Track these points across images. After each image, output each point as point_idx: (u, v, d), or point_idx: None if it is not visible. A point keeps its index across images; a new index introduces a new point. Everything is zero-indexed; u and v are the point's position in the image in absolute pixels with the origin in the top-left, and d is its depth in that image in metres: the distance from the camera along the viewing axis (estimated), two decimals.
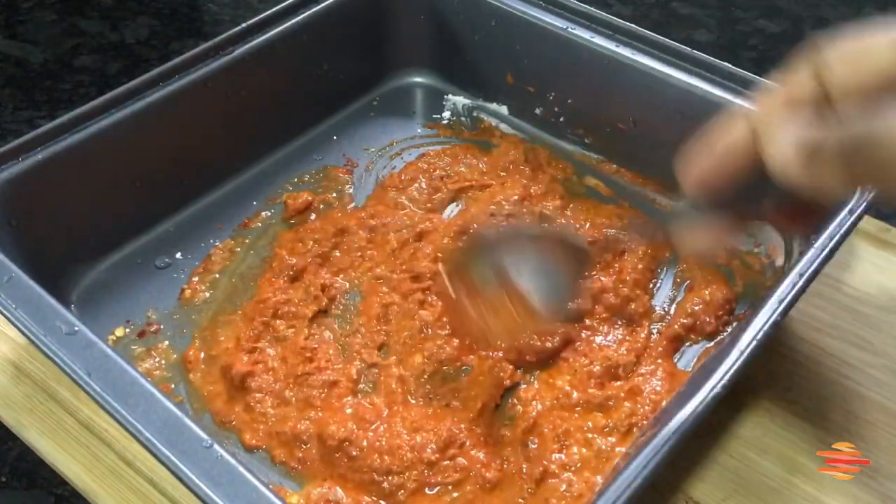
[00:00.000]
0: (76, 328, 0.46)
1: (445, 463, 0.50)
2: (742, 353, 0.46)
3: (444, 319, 0.58)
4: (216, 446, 0.41)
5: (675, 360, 0.57)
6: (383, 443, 0.51)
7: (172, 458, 0.40)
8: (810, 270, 0.50)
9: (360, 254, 0.64)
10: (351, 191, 0.70)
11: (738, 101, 0.60)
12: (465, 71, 0.77)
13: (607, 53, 0.66)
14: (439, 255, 0.62)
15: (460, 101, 0.78)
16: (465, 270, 0.51)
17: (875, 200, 0.51)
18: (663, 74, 0.63)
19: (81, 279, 0.61)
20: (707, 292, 0.59)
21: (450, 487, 0.50)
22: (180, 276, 0.63)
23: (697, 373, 0.53)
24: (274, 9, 0.68)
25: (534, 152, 0.72)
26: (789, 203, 0.38)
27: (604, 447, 0.51)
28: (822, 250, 0.50)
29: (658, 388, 0.54)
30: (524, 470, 0.50)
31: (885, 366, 0.57)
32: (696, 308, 0.59)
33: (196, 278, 0.62)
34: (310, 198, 0.68)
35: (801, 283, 0.49)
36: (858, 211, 0.52)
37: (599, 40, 0.66)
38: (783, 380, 0.56)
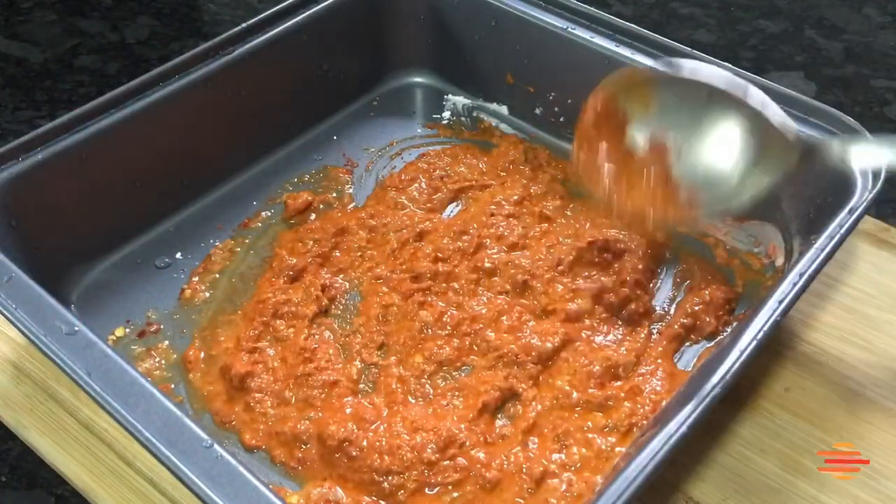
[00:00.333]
0: (76, 328, 0.46)
1: (445, 463, 0.50)
2: (742, 353, 0.46)
3: (445, 319, 0.58)
4: (216, 446, 0.41)
5: (675, 360, 0.57)
6: (383, 443, 0.51)
7: (172, 458, 0.40)
8: (810, 270, 0.50)
9: (360, 254, 0.64)
10: (351, 191, 0.70)
11: None
12: (465, 71, 0.77)
13: (607, 53, 0.66)
14: (439, 255, 0.62)
15: (460, 101, 0.78)
16: (620, 113, 0.39)
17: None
18: None
19: (81, 279, 0.61)
20: (707, 292, 0.59)
21: (450, 487, 0.50)
22: (180, 276, 0.63)
23: (697, 373, 0.53)
24: (274, 9, 0.68)
25: (534, 152, 0.72)
26: None
27: (604, 447, 0.51)
28: (822, 250, 0.51)
29: (658, 388, 0.54)
30: (524, 470, 0.50)
31: (885, 366, 0.57)
32: (696, 308, 0.59)
33: (196, 278, 0.62)
34: (310, 198, 0.68)
35: (801, 283, 0.49)
36: (858, 211, 0.52)
37: (599, 40, 0.66)
38: (783, 380, 0.56)
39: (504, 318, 0.58)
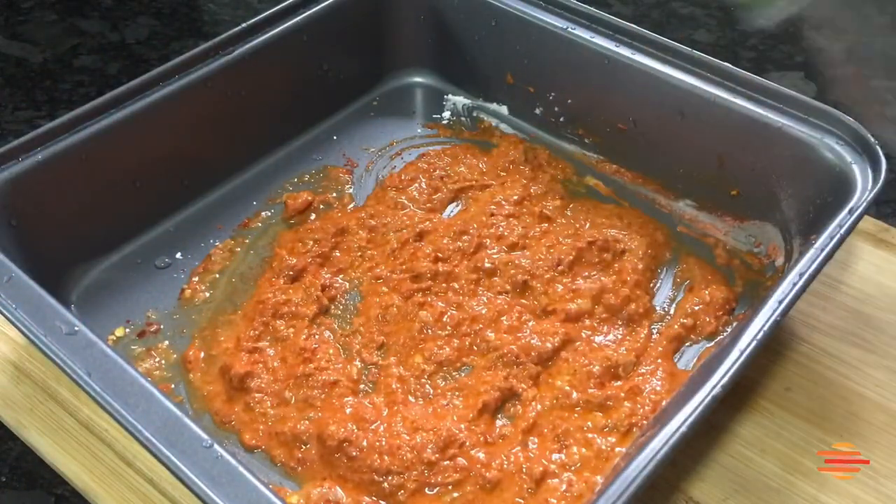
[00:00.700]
0: (76, 328, 0.46)
1: (445, 463, 0.50)
2: (742, 353, 0.46)
3: (445, 319, 0.58)
4: (216, 446, 0.41)
5: (675, 360, 0.57)
6: (383, 443, 0.51)
7: (172, 458, 0.40)
8: (810, 270, 0.50)
9: (360, 254, 0.64)
10: (351, 191, 0.70)
11: (737, 100, 0.60)
12: (465, 71, 0.77)
13: (607, 53, 0.66)
14: (439, 255, 0.62)
15: (460, 101, 0.78)
16: None
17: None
18: (663, 74, 0.63)
19: (81, 279, 0.61)
20: (707, 292, 0.59)
21: (450, 487, 0.50)
22: (180, 276, 0.63)
23: (697, 373, 0.53)
24: (274, 9, 0.68)
25: (534, 152, 0.72)
26: None
27: (604, 447, 0.51)
28: (822, 250, 0.50)
29: (658, 388, 0.54)
30: (524, 470, 0.50)
31: (885, 366, 0.57)
32: (696, 308, 0.59)
33: (196, 278, 0.62)
34: (310, 198, 0.68)
35: (801, 283, 0.49)
36: (858, 211, 0.52)
37: (599, 40, 0.66)
38: (783, 380, 0.56)
39: (504, 318, 0.58)
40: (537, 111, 0.73)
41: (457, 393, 0.55)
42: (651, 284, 0.61)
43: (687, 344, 0.58)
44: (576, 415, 0.53)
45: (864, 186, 0.54)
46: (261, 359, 0.56)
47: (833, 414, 0.54)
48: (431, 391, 0.55)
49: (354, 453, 0.50)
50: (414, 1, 0.75)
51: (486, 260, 0.61)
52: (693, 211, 0.66)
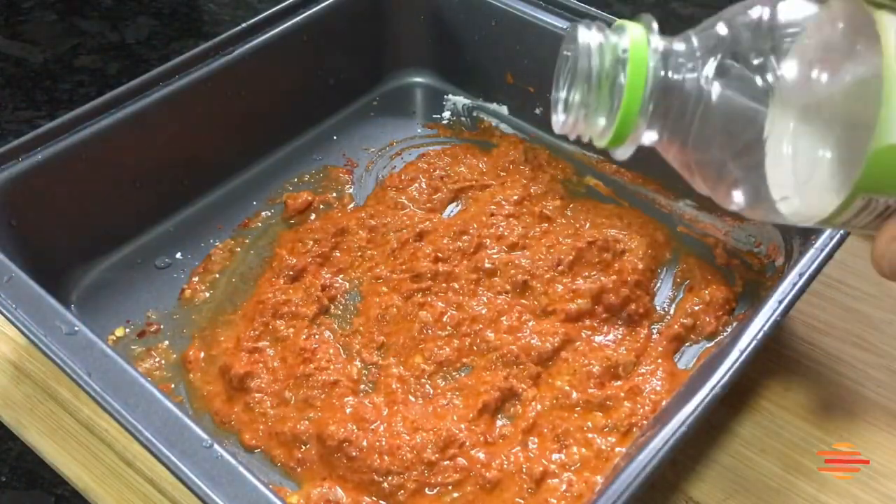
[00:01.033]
0: (76, 328, 0.46)
1: (445, 463, 0.50)
2: (742, 353, 0.46)
3: (445, 319, 0.58)
4: (216, 446, 0.41)
5: (675, 360, 0.57)
6: (383, 443, 0.51)
7: (172, 458, 0.40)
8: (810, 270, 0.50)
9: (360, 254, 0.64)
10: (351, 191, 0.70)
11: None
12: (465, 71, 0.77)
13: None
14: (439, 255, 0.62)
15: (460, 101, 0.78)
16: None
17: None
18: None
19: (81, 279, 0.61)
20: (707, 292, 0.59)
21: (450, 487, 0.50)
22: (180, 276, 0.63)
23: (697, 373, 0.53)
24: (274, 9, 0.68)
25: (534, 152, 0.72)
26: None
27: (604, 447, 0.51)
28: (822, 250, 0.50)
29: (658, 388, 0.54)
30: (524, 470, 0.50)
31: (885, 366, 0.57)
32: (696, 308, 0.59)
33: (196, 278, 0.62)
34: (310, 198, 0.68)
35: (801, 283, 0.49)
36: None
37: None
38: (783, 380, 0.56)
39: (504, 318, 0.58)
40: (537, 111, 0.73)
41: (457, 393, 0.55)
42: (651, 284, 0.61)
43: (687, 344, 0.58)
44: (576, 415, 0.53)
45: None
46: (261, 359, 0.56)
47: (833, 414, 0.54)
48: (431, 391, 0.55)
49: (354, 453, 0.50)
50: (414, 1, 0.75)
51: (486, 260, 0.61)
52: (693, 211, 0.66)
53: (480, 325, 0.58)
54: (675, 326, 0.58)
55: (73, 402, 0.55)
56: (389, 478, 0.50)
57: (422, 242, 0.64)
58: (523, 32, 0.70)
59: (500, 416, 0.54)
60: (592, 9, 0.68)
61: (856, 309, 0.60)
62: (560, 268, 0.61)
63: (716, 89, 0.32)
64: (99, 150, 0.59)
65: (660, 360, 0.56)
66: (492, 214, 0.65)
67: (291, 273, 0.62)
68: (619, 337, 0.58)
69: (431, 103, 0.78)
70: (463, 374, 0.56)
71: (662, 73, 0.33)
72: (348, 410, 0.53)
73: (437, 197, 0.68)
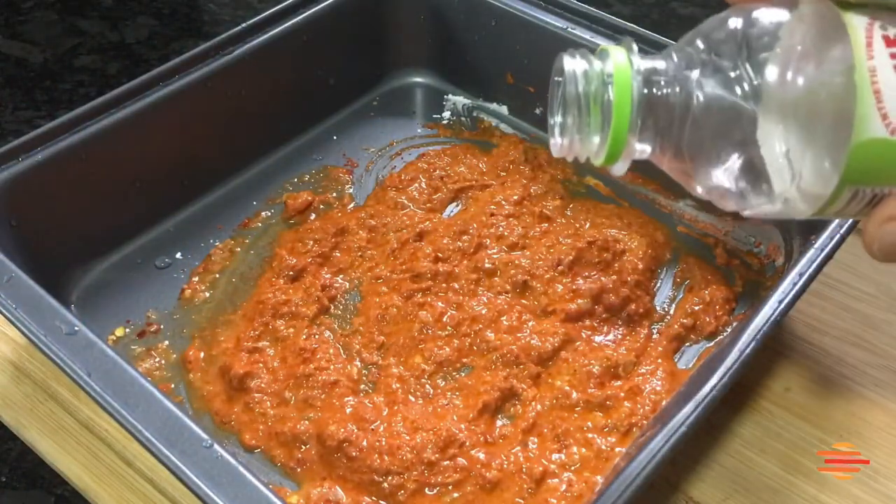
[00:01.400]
0: (76, 328, 0.46)
1: (445, 463, 0.50)
2: (742, 353, 0.46)
3: (445, 319, 0.58)
4: (216, 446, 0.41)
5: (675, 360, 0.57)
6: (383, 443, 0.51)
7: (172, 458, 0.40)
8: (810, 270, 0.50)
9: (360, 254, 0.64)
10: (351, 191, 0.70)
11: None
12: (465, 71, 0.77)
13: None
14: (439, 255, 0.62)
15: (460, 101, 0.78)
16: None
17: None
18: None
19: (81, 279, 0.61)
20: (707, 292, 0.59)
21: (450, 487, 0.50)
22: (180, 276, 0.63)
23: (697, 373, 0.53)
24: (274, 9, 0.68)
25: (534, 152, 0.72)
26: None
27: (604, 447, 0.51)
28: (822, 250, 0.51)
29: (658, 388, 0.54)
30: (524, 470, 0.50)
31: (885, 366, 0.57)
32: (696, 308, 0.59)
33: (196, 278, 0.62)
34: (310, 198, 0.68)
35: (801, 283, 0.49)
36: None
37: (599, 40, 0.66)
38: (783, 380, 0.56)
39: (504, 318, 0.58)
40: (537, 111, 0.73)
41: (457, 393, 0.55)
42: (651, 284, 0.61)
43: (687, 344, 0.58)
44: (576, 415, 0.53)
45: None
46: (261, 359, 0.56)
47: (833, 414, 0.54)
48: (431, 391, 0.55)
49: (354, 453, 0.50)
50: (414, 1, 0.75)
51: (486, 260, 0.61)
52: (693, 211, 0.66)
53: (480, 325, 0.58)
54: (675, 326, 0.58)
55: (73, 401, 0.55)
56: (389, 478, 0.50)
57: (422, 242, 0.64)
58: (523, 32, 0.70)
59: (500, 416, 0.54)
60: (592, 9, 0.68)
61: (856, 309, 0.60)
62: (560, 268, 0.61)
63: (699, 101, 0.33)
64: (99, 150, 0.59)
65: (660, 360, 0.56)
66: (492, 214, 0.65)
67: (291, 273, 0.62)
68: (619, 337, 0.58)
69: (431, 103, 0.78)
70: (463, 374, 0.56)
71: (646, 91, 0.34)
72: (348, 410, 0.53)
73: (437, 197, 0.68)
